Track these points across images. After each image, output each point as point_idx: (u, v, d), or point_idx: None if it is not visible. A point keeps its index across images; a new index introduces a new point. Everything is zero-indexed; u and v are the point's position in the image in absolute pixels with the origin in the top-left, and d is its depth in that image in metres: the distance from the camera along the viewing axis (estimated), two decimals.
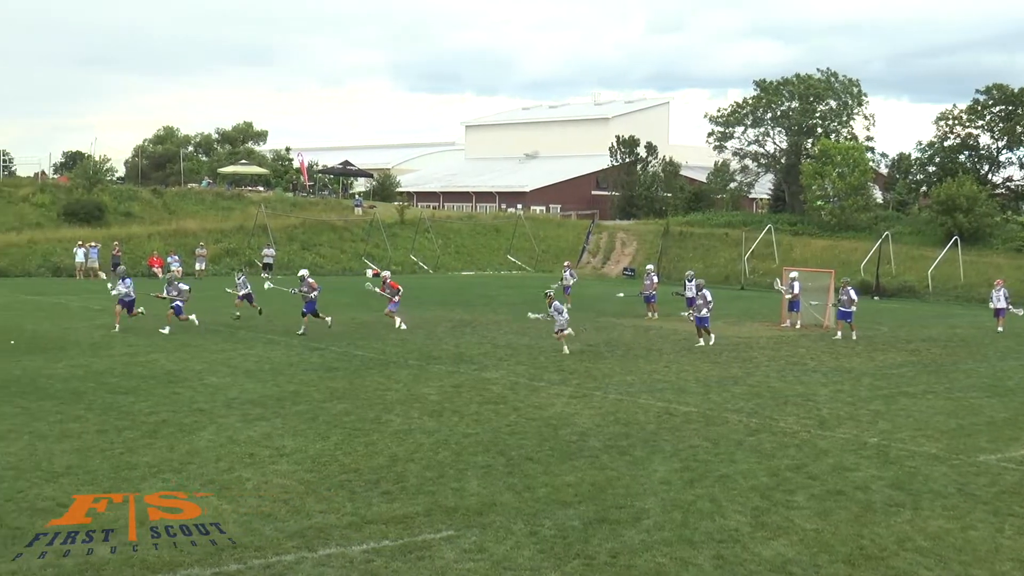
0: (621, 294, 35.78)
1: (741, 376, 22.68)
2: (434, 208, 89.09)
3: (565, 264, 42.65)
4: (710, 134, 79.62)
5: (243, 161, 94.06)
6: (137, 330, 27.93)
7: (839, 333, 30.59)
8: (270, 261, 55.63)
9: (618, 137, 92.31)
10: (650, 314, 35.04)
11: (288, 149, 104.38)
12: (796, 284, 33.39)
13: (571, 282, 39.37)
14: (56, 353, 23.47)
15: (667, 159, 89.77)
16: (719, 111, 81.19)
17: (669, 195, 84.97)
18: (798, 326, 33.06)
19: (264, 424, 16.24)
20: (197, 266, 53.01)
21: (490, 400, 18.85)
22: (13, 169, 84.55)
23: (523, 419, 17.19)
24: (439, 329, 30.14)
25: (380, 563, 10.04)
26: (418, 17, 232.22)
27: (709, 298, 27.79)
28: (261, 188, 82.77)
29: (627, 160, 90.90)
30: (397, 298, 29.79)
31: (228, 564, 9.94)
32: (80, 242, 51.35)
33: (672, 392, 20.32)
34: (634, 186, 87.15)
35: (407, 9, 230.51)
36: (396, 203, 78.22)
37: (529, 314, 27.70)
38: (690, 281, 34.06)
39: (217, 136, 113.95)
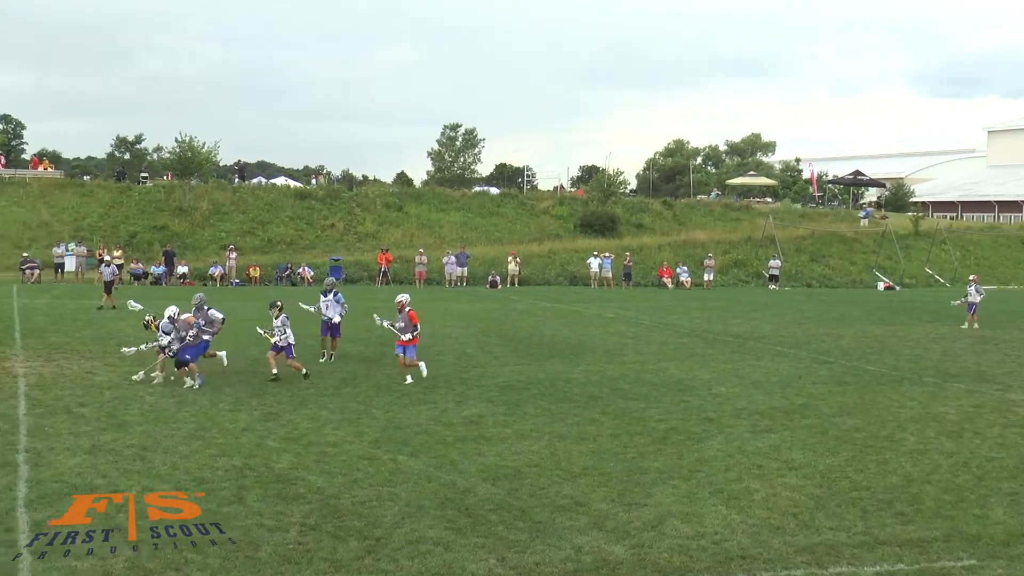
0: None
1: None
2: (951, 219, 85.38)
3: (971, 278, 36.13)
4: None
5: (751, 172, 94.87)
6: (648, 339, 28.71)
7: None
8: (776, 272, 55.47)
9: None
10: None
11: (798, 160, 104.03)
12: None
13: (976, 298, 33.92)
14: (574, 358, 24.54)
15: None
16: None
17: None
18: None
19: (772, 436, 16.07)
20: (706, 277, 53.82)
21: (1015, 423, 17.54)
22: (535, 183, 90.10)
23: None
24: (957, 345, 28.57)
25: None
26: (938, 20, 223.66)
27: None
28: (769, 199, 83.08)
29: None
30: (408, 336, 20.53)
31: (736, 574, 9.87)
32: (595, 252, 53.74)
33: None
34: None
35: (925, 12, 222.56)
36: (910, 213, 75.74)
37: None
38: None
39: (725, 148, 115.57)
